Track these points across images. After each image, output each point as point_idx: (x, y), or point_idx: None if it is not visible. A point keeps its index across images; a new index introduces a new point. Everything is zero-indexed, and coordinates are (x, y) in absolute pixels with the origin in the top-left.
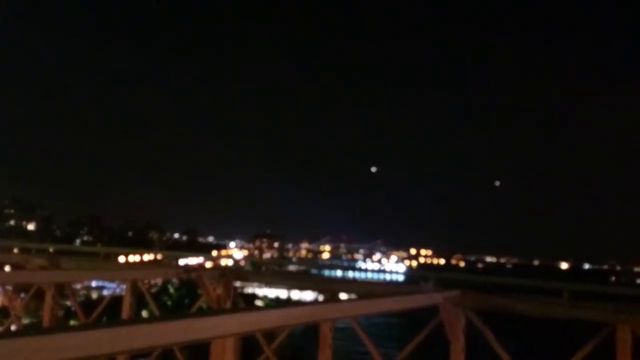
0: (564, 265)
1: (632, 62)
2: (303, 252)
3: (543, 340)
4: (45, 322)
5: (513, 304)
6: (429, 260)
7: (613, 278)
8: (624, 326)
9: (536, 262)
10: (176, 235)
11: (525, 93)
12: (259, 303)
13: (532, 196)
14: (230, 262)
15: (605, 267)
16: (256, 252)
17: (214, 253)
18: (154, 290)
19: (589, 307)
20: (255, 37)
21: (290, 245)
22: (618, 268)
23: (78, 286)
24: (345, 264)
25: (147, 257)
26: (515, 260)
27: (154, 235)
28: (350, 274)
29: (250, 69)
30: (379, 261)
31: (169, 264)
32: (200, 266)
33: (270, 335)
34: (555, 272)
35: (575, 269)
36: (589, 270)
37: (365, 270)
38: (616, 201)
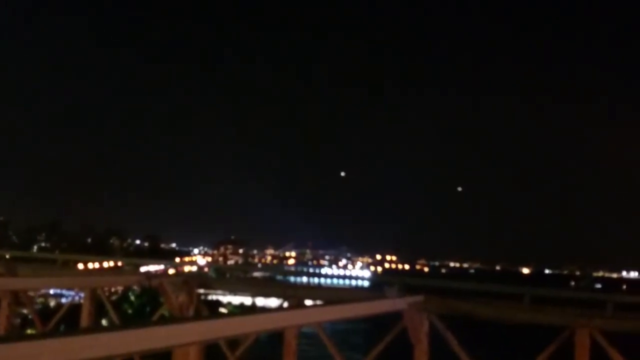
0: (526, 270)
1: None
2: (268, 258)
3: (506, 343)
4: (1, 330)
5: (475, 308)
6: (393, 266)
7: (573, 283)
8: (583, 330)
9: (498, 267)
10: (137, 242)
11: (484, 98)
12: (223, 310)
13: (495, 202)
14: (194, 269)
15: (565, 272)
16: (220, 259)
17: (177, 260)
18: (114, 298)
19: (549, 311)
20: (224, 39)
21: (255, 252)
22: (578, 273)
23: (35, 294)
24: (311, 270)
25: (107, 264)
26: (477, 265)
27: (114, 241)
28: (316, 280)
29: (216, 72)
30: (345, 267)
31: (130, 271)
32: (163, 273)
33: (234, 342)
34: (517, 277)
35: (536, 274)
36: (549, 275)
37: (331, 276)
38: (576, 207)
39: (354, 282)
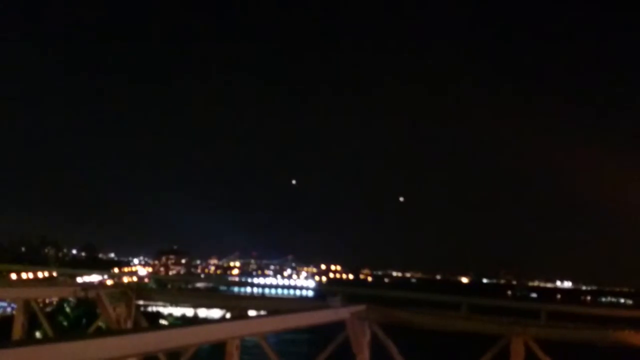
0: (465, 280)
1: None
2: (212, 269)
3: (445, 351)
4: None
5: (414, 317)
6: (338, 276)
7: (509, 292)
8: (518, 339)
9: (438, 277)
10: (74, 252)
11: (430, 109)
12: (163, 322)
13: (435, 213)
14: (134, 280)
15: (502, 281)
16: (162, 269)
17: (116, 270)
18: (48, 309)
19: (485, 320)
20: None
21: (198, 262)
22: (514, 282)
23: None
24: (255, 280)
25: (42, 274)
26: (419, 275)
27: (49, 251)
28: (260, 290)
29: (151, 83)
30: (290, 277)
31: (65, 281)
32: (100, 284)
33: (174, 355)
34: (456, 286)
35: (474, 283)
36: (487, 284)
37: (276, 287)
38: (513, 218)
39: (298, 292)
